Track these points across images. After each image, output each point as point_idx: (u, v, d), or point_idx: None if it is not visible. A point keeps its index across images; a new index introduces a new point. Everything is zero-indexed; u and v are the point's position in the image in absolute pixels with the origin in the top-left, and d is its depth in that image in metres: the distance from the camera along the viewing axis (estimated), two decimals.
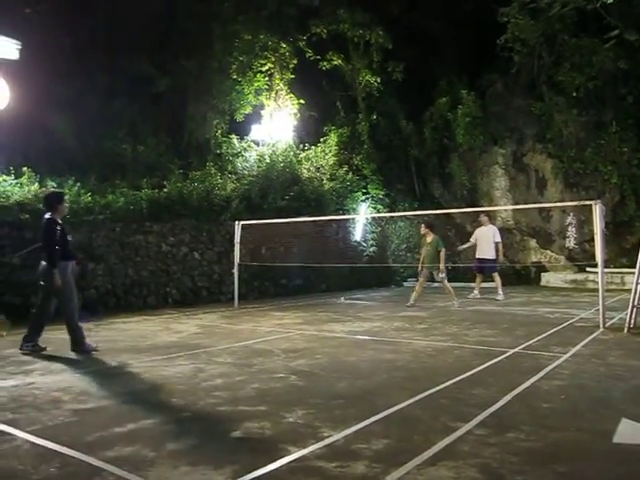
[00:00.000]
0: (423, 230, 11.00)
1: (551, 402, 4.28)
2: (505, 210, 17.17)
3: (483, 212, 12.69)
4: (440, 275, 10.75)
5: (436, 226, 11.67)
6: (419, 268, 11.09)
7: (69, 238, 6.31)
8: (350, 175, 17.19)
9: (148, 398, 4.52)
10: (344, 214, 16.36)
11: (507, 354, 5.89)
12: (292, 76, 17.40)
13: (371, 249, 17.48)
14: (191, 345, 6.72)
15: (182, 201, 12.38)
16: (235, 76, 16.29)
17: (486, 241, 12.14)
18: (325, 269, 14.90)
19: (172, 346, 6.68)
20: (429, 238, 10.87)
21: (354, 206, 17.29)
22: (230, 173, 14.74)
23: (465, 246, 13.01)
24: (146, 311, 10.34)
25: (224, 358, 5.92)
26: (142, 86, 14.37)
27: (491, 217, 13.07)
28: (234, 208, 13.14)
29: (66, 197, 6.77)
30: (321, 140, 17.50)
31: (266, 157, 15.45)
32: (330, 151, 17.44)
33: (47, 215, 6.12)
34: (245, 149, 15.85)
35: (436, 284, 12.17)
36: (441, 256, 10.67)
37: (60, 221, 6.20)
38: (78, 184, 10.64)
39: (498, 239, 12.15)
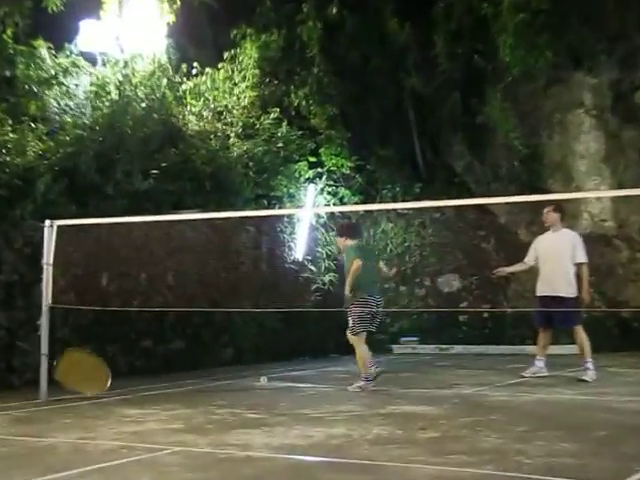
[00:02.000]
0: (340, 241, 12.38)
1: None
2: (598, 199, 17.46)
3: (552, 204, 12.81)
4: (350, 322, 11.57)
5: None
6: None
7: None
8: (285, 128, 17.15)
9: None
10: (272, 207, 16.27)
11: None
12: None
13: (327, 277, 17.44)
14: None
15: None
16: None
17: (558, 262, 12.26)
18: (233, 318, 14.77)
19: None
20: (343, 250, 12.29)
21: (292, 191, 17.23)
22: (35, 120, 14.48)
23: (513, 269, 13.06)
24: None
25: None
26: None
27: (565, 214, 13.21)
28: (42, 192, 12.91)
29: None
30: (226, 57, 17.40)
31: (112, 89, 15.29)
32: (245, 79, 17.37)
33: None
34: (67, 71, 15.59)
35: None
36: (349, 273, 11.43)
37: None
38: None
39: (582, 258, 12.28)
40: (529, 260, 12.62)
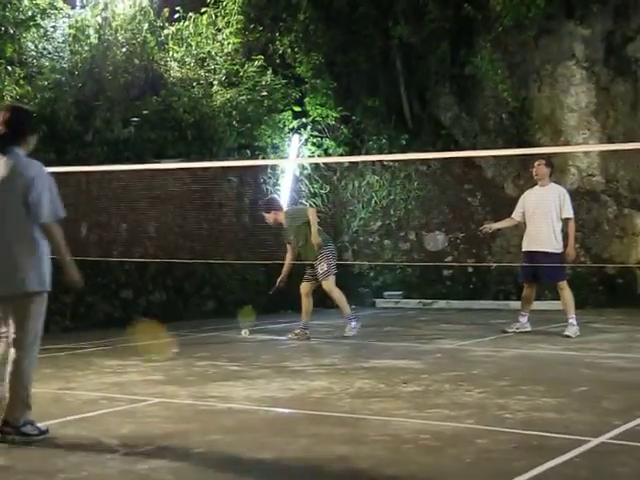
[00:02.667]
0: (270, 217, 12.63)
1: None
2: (586, 154, 17.53)
3: (541, 158, 12.89)
4: (320, 268, 12.15)
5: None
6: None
7: None
8: (269, 76, 17.12)
9: None
10: (255, 158, 16.27)
11: (585, 447, 5.96)
12: None
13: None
14: None
15: None
16: None
17: (544, 217, 12.33)
18: (215, 270, 14.81)
19: None
20: (282, 220, 12.59)
21: (276, 141, 17.22)
22: (12, 65, 14.39)
23: (500, 225, 13.22)
24: None
25: None
26: None
27: (554, 168, 13.28)
28: None
29: None
30: (210, 2, 17.34)
31: (91, 33, 15.20)
32: (229, 25, 17.30)
33: (19, 152, 6.48)
34: (44, 13, 15.47)
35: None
36: (312, 223, 12.11)
37: None
38: None
39: (569, 213, 12.37)
40: (516, 215, 12.67)
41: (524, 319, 12.66)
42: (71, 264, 6.36)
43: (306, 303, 12.39)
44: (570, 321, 12.18)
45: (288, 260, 12.61)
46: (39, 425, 6.37)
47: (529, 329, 12.56)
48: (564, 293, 12.30)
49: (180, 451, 5.93)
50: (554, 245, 12.23)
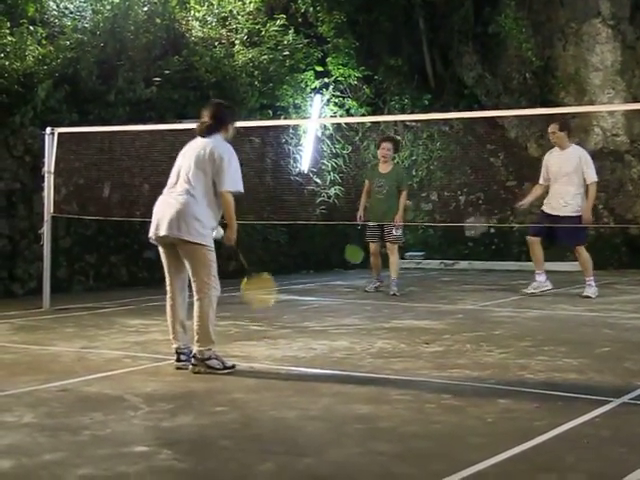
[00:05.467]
0: (384, 152, 12.94)
1: None
2: (611, 113, 17.45)
3: (561, 118, 12.84)
4: (395, 231, 12.87)
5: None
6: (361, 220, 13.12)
7: None
8: (291, 35, 17.08)
9: None
10: (277, 118, 16.26)
11: (606, 407, 5.99)
12: None
13: (333, 190, 17.51)
14: None
15: None
16: None
17: (565, 180, 12.28)
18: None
19: None
20: (388, 166, 12.92)
21: (298, 101, 17.20)
22: (34, 24, 14.40)
23: (533, 196, 13.04)
24: None
25: (19, 415, 5.86)
26: None
27: (572, 130, 13.20)
28: (42, 99, 12.94)
29: None
30: None
31: None
32: None
33: (217, 138, 7.84)
34: None
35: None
36: (402, 200, 12.74)
37: None
38: None
39: (592, 177, 12.30)
40: (543, 180, 12.64)
41: (541, 277, 12.64)
42: (234, 227, 7.92)
43: (376, 261, 13.16)
44: (588, 282, 12.23)
45: (365, 196, 13.16)
46: (225, 361, 7.27)
47: (550, 287, 12.58)
48: (581, 256, 12.32)
49: (203, 409, 5.98)
50: (575, 208, 12.20)
